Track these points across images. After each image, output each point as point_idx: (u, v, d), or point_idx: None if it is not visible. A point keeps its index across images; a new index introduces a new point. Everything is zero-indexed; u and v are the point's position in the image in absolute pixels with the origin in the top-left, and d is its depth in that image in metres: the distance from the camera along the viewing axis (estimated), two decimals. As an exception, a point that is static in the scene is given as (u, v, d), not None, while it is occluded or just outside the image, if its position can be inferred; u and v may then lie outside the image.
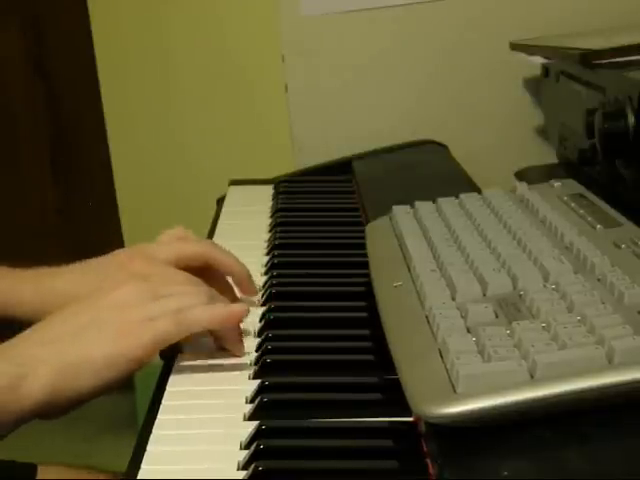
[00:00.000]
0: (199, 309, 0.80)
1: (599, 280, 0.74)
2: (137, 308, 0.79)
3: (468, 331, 0.70)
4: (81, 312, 0.80)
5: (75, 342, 0.77)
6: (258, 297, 0.96)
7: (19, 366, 0.75)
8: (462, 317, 0.73)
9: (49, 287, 0.91)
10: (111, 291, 0.81)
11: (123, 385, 0.79)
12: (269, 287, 0.96)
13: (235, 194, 1.37)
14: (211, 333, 0.83)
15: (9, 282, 0.93)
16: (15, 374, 0.74)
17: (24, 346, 0.78)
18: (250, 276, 0.94)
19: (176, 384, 0.79)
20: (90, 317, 0.79)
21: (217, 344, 0.83)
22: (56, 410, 0.77)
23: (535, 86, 1.43)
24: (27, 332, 0.80)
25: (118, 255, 0.93)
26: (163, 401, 0.76)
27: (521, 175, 1.23)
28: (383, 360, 0.76)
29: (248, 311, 0.82)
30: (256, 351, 0.83)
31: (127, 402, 2.07)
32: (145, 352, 0.77)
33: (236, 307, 0.82)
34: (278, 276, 0.99)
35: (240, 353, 0.83)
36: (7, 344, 0.79)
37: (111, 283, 0.83)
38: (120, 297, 0.80)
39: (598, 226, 0.87)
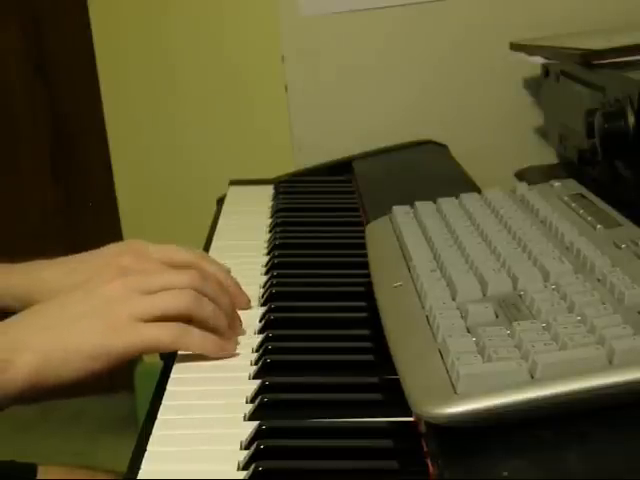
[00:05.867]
0: (196, 338, 0.80)
1: (599, 280, 0.74)
2: (126, 304, 0.80)
3: (468, 331, 0.70)
4: (73, 302, 0.82)
5: (64, 331, 0.79)
6: (257, 302, 0.96)
7: (6, 351, 0.77)
8: (462, 317, 0.73)
9: (36, 278, 0.93)
10: (103, 284, 0.82)
11: (103, 379, 0.80)
12: (269, 287, 0.96)
13: (235, 194, 1.37)
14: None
15: None
16: (2, 359, 0.76)
17: (14, 331, 0.80)
18: (240, 288, 0.93)
19: (176, 384, 0.79)
20: (81, 308, 0.81)
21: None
22: (37, 397, 0.78)
23: (535, 86, 1.43)
24: (19, 316, 0.82)
25: (109, 249, 0.94)
26: (163, 401, 0.76)
27: (521, 175, 1.23)
28: (383, 360, 0.76)
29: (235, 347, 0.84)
30: (256, 351, 0.83)
31: (127, 402, 2.07)
32: (129, 351, 0.79)
33: (228, 348, 0.83)
34: (278, 276, 0.99)
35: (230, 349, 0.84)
36: (3, 326, 0.80)
37: (100, 277, 0.84)
38: (111, 291, 0.82)
39: (598, 226, 0.87)
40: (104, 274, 0.85)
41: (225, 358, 0.82)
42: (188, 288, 0.83)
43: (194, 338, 0.80)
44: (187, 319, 0.81)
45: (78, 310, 0.81)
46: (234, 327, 0.86)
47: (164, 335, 0.79)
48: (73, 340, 0.78)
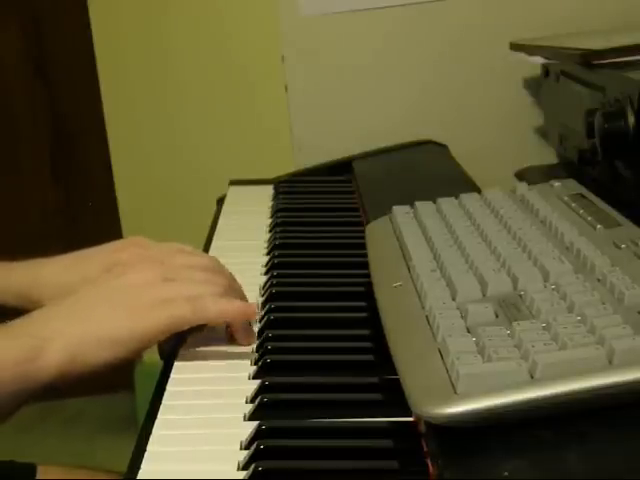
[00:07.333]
0: (215, 300, 0.82)
1: (599, 280, 0.74)
2: (149, 289, 0.82)
3: (468, 331, 0.70)
4: (94, 292, 0.83)
5: (89, 318, 0.80)
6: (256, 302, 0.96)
7: (37, 339, 0.77)
8: (462, 317, 0.73)
9: (36, 274, 0.94)
10: (123, 273, 0.84)
11: (130, 364, 0.81)
12: (269, 287, 0.96)
13: (235, 194, 1.37)
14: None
15: None
16: (33, 346, 0.76)
17: (42, 319, 0.80)
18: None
19: (176, 384, 0.79)
20: (103, 296, 0.82)
21: (228, 332, 0.85)
22: (67, 385, 0.78)
23: (535, 86, 1.43)
24: (44, 308, 0.83)
25: (110, 245, 0.95)
26: (163, 401, 0.76)
27: (521, 175, 1.23)
28: (383, 360, 0.76)
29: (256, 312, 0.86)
30: (256, 351, 0.83)
31: (127, 402, 2.07)
32: (157, 332, 0.79)
33: (249, 307, 0.84)
34: (278, 276, 0.99)
35: (247, 343, 0.84)
36: (26, 318, 0.81)
37: (125, 266, 0.86)
38: (132, 279, 0.83)
39: (598, 226, 0.87)
40: (130, 262, 0.86)
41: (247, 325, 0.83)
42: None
43: (209, 303, 0.81)
44: None
45: (99, 299, 0.82)
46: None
47: (183, 310, 0.80)
48: (97, 326, 0.79)
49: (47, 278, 0.92)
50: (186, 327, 0.81)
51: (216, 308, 0.81)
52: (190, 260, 0.89)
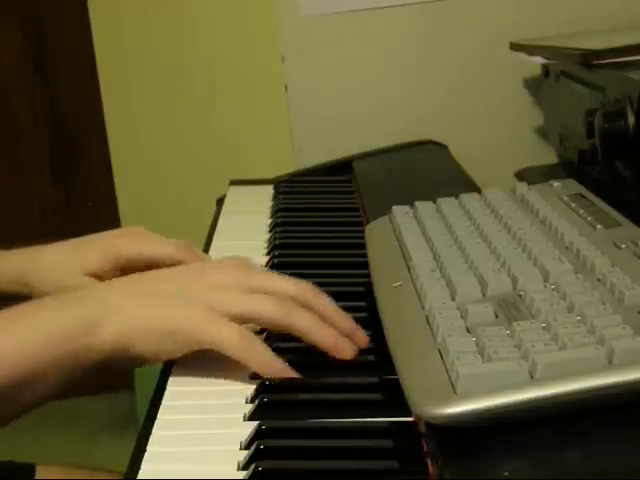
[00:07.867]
0: (267, 355, 0.76)
1: (599, 280, 0.74)
2: (225, 297, 0.78)
3: (468, 331, 0.70)
4: (175, 278, 0.81)
5: (155, 305, 0.77)
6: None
7: (96, 312, 0.75)
8: (462, 317, 0.73)
9: (32, 260, 0.93)
10: (210, 269, 0.82)
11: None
12: (269, 287, 0.96)
13: (235, 194, 1.37)
14: None
15: None
16: (92, 320, 0.75)
17: (107, 292, 0.79)
18: None
19: (176, 384, 0.79)
20: (180, 287, 0.79)
21: None
22: (112, 371, 0.77)
23: (535, 86, 1.43)
24: (117, 280, 0.82)
25: (108, 232, 0.95)
26: (163, 401, 0.76)
27: (521, 175, 1.23)
28: (383, 360, 0.76)
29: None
30: (256, 351, 0.83)
31: (127, 402, 2.07)
32: (197, 340, 0.76)
33: (290, 373, 0.77)
34: (278, 276, 0.99)
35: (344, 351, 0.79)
36: (94, 288, 0.80)
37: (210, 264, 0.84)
38: (216, 279, 0.80)
39: (598, 226, 0.87)
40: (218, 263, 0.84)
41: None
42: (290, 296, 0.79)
43: (260, 351, 0.76)
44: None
45: (174, 287, 0.79)
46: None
47: (228, 338, 0.75)
48: (157, 315, 0.76)
49: (44, 263, 0.92)
50: (223, 352, 0.76)
51: (262, 360, 0.76)
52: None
